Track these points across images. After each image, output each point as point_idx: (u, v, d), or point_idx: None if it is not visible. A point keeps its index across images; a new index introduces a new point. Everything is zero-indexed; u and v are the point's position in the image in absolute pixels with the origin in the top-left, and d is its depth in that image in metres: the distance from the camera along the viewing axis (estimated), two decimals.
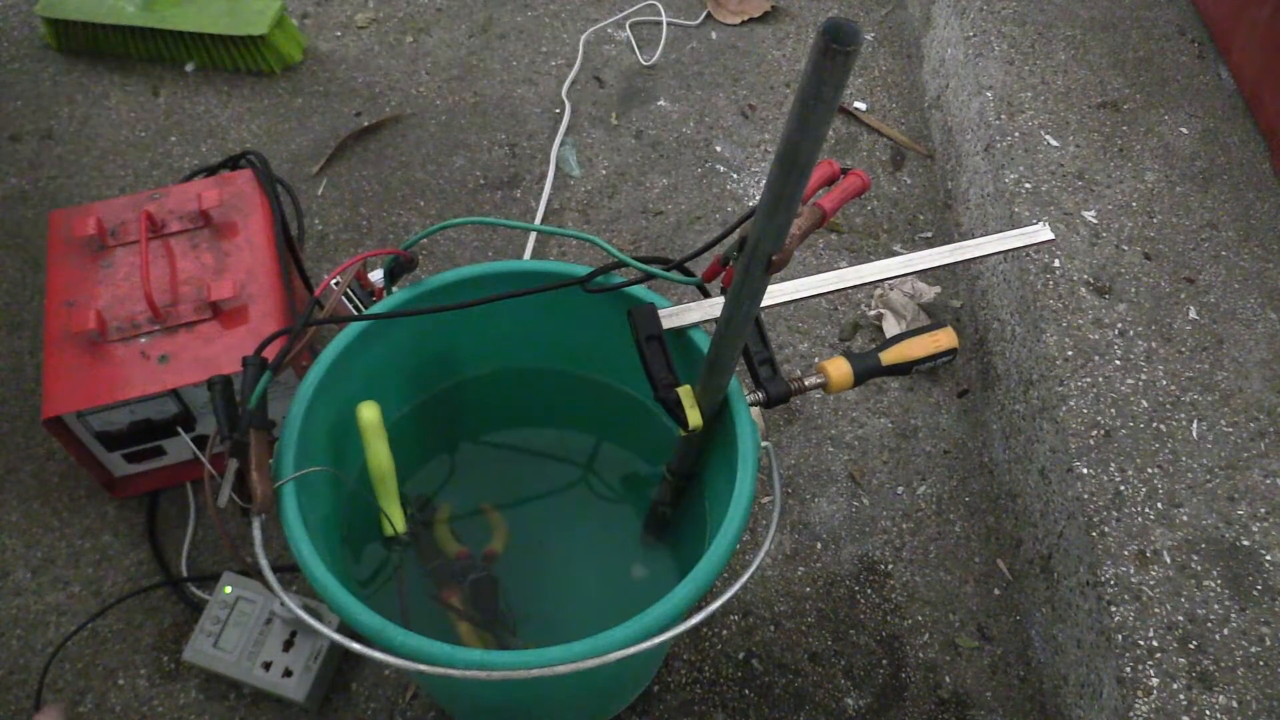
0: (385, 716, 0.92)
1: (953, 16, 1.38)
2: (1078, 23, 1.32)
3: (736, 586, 0.66)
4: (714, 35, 1.55)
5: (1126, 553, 0.86)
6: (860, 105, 1.45)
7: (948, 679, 0.97)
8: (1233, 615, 0.83)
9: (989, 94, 1.23)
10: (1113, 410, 0.95)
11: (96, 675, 0.93)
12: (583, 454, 0.95)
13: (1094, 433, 0.94)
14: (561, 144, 1.38)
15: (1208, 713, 0.78)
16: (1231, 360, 0.99)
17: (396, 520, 0.79)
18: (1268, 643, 0.82)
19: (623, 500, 0.94)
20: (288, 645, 0.90)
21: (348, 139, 1.36)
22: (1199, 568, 0.86)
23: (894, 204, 1.34)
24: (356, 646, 0.63)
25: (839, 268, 0.84)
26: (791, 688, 0.95)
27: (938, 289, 1.21)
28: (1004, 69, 1.26)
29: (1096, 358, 0.99)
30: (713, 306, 0.77)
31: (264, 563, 0.65)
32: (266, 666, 0.89)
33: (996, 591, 1.02)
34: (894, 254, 1.28)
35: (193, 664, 0.90)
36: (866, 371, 0.75)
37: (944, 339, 0.76)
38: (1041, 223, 0.82)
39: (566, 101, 1.42)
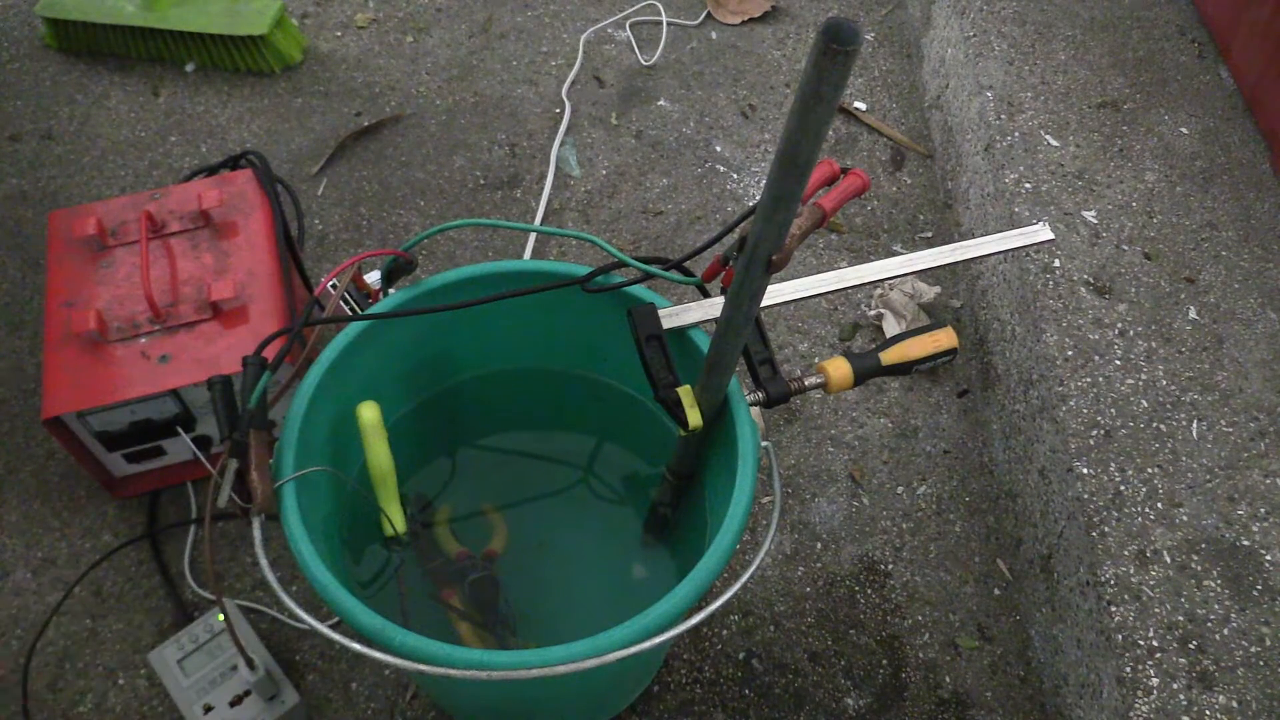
0: (385, 716, 0.92)
1: (953, 16, 1.38)
2: (1078, 23, 1.32)
3: (736, 586, 0.66)
4: (714, 35, 1.55)
5: (1126, 553, 0.86)
6: (860, 105, 1.45)
7: (948, 679, 0.97)
8: (1233, 615, 0.83)
9: (989, 94, 1.23)
10: (1113, 410, 0.95)
11: (96, 675, 0.93)
12: (583, 454, 0.95)
13: (1094, 433, 0.94)
14: (561, 144, 1.38)
15: (1208, 713, 0.79)
16: (1231, 360, 0.99)
17: (396, 520, 0.79)
18: (1268, 643, 0.82)
19: (623, 501, 0.94)
20: (237, 700, 0.87)
21: (348, 139, 1.36)
22: (1199, 568, 0.86)
23: (894, 204, 1.34)
24: (357, 646, 0.63)
25: (839, 268, 0.84)
26: (791, 688, 0.95)
27: (938, 289, 1.21)
28: (1004, 69, 1.26)
29: (1096, 358, 0.99)
30: (713, 306, 0.77)
31: (264, 562, 0.65)
32: (206, 710, 0.86)
33: (996, 591, 1.02)
34: (894, 254, 1.28)
35: (151, 667, 0.89)
36: (866, 371, 0.75)
37: (944, 339, 0.76)
38: (1041, 223, 0.82)
39: (566, 101, 1.42)
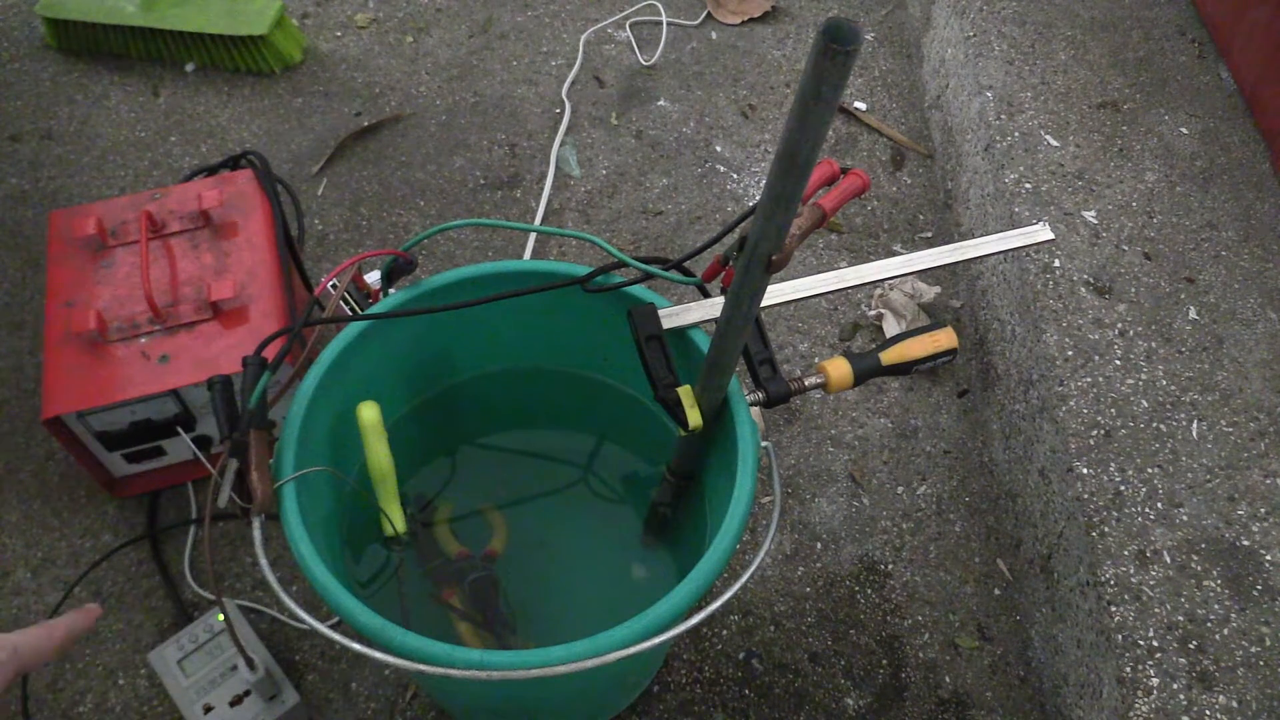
0: (385, 716, 0.92)
1: (953, 16, 1.38)
2: (1078, 23, 1.32)
3: (736, 586, 0.66)
4: (714, 35, 1.55)
5: (1126, 553, 0.86)
6: (860, 105, 1.45)
7: (948, 679, 0.97)
8: (1233, 615, 0.83)
9: (989, 94, 1.23)
10: (1113, 410, 0.95)
11: (96, 675, 0.93)
12: (583, 454, 0.95)
13: (1094, 433, 0.94)
14: (561, 144, 1.38)
15: (1208, 713, 0.78)
16: (1231, 360, 0.99)
17: (396, 520, 0.79)
18: (1268, 643, 0.82)
19: (623, 500, 0.94)
20: (237, 700, 0.87)
21: (348, 139, 1.36)
22: (1199, 568, 0.86)
23: (894, 204, 1.34)
24: (356, 646, 0.63)
25: (839, 268, 0.84)
26: (791, 688, 0.95)
27: (938, 289, 1.21)
28: (1004, 69, 1.26)
29: (1096, 358, 0.99)
30: (713, 306, 0.77)
31: (264, 562, 0.65)
32: (206, 710, 0.86)
33: (996, 591, 1.02)
34: (894, 254, 1.28)
35: (151, 667, 0.90)
36: (866, 371, 0.75)
37: (944, 339, 0.76)
38: (1041, 223, 0.82)
39: (566, 101, 1.42)
